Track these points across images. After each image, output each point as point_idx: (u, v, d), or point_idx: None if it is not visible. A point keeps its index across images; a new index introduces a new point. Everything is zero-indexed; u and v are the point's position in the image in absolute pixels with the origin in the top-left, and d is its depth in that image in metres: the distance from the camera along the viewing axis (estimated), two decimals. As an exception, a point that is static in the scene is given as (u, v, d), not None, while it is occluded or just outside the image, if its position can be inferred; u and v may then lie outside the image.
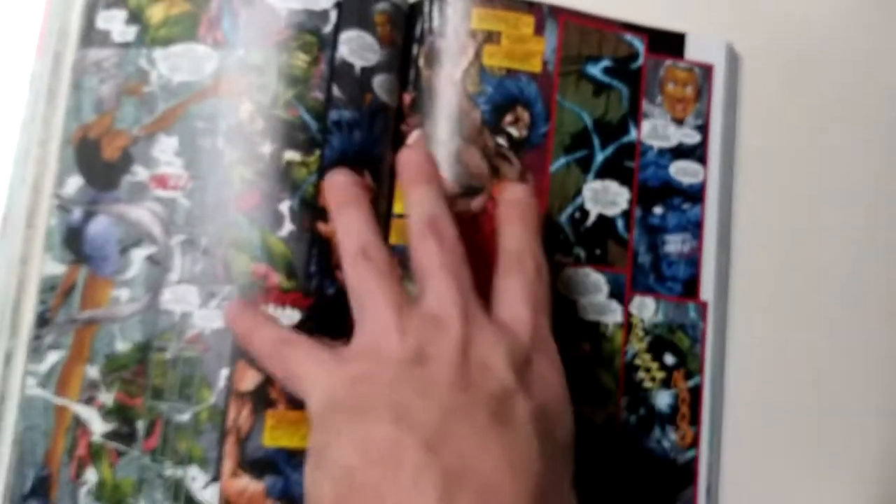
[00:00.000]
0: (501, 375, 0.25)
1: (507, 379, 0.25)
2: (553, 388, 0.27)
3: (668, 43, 0.39)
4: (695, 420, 0.38)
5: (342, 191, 0.32)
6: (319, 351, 0.28)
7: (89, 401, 0.35)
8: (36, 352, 0.35)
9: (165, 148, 0.36)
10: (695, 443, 0.37)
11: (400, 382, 0.25)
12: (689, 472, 0.37)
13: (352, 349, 0.28)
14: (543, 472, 0.24)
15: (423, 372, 0.25)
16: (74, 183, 0.36)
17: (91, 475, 0.34)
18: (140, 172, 0.36)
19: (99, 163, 0.36)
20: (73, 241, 0.36)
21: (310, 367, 0.28)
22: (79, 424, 0.35)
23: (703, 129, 0.39)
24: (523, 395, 0.25)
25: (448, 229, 0.29)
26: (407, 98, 0.38)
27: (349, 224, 0.31)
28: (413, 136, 0.37)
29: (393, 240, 0.37)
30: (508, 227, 0.31)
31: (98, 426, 0.34)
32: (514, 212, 0.32)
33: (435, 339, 0.26)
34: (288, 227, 0.35)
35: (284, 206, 0.35)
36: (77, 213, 0.36)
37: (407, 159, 0.32)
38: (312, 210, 0.35)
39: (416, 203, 0.30)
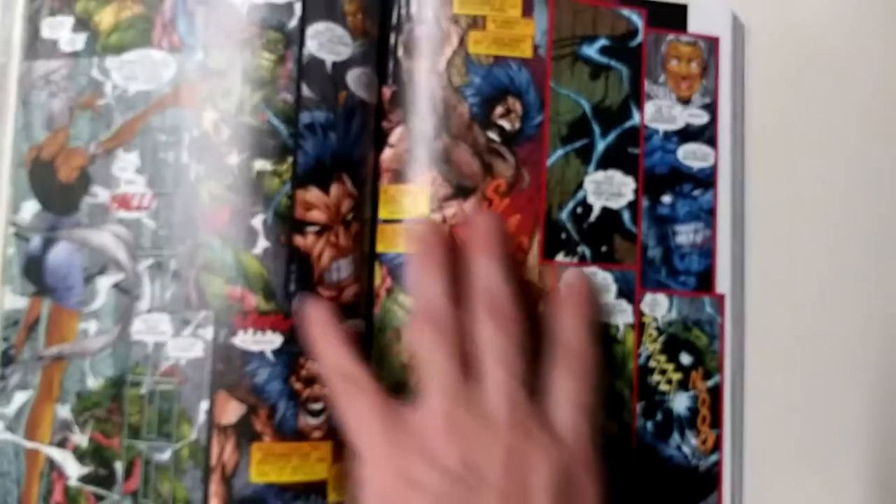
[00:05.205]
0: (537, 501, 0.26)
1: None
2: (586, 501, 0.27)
3: (669, 16, 0.34)
4: (716, 422, 0.33)
5: (424, 245, 0.30)
6: (375, 415, 0.28)
7: (62, 443, 0.31)
8: (2, 392, 0.31)
9: (126, 165, 0.31)
10: (717, 447, 0.33)
11: (441, 499, 0.26)
12: (712, 479, 0.33)
13: (405, 426, 0.27)
14: None
15: (463, 491, 0.26)
16: (30, 208, 0.32)
17: (69, 523, 0.30)
18: (100, 193, 0.31)
19: (55, 185, 0.32)
20: (34, 272, 0.31)
21: (363, 432, 0.28)
22: (53, 468, 0.31)
23: (712, 107, 0.34)
24: None
25: (507, 310, 0.29)
26: (387, 92, 0.33)
27: (424, 283, 0.29)
28: (396, 134, 0.32)
29: (380, 248, 0.33)
30: (565, 317, 0.30)
31: (74, 469, 0.31)
32: (573, 302, 0.31)
33: (482, 446, 0.26)
34: (262, 243, 0.30)
35: (258, 221, 0.30)
36: (36, 241, 0.32)
37: (475, 222, 0.31)
38: (289, 223, 0.30)
39: (479, 274, 0.29)
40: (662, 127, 0.34)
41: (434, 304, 0.29)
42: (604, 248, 0.33)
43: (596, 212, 0.33)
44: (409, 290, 0.30)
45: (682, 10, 0.34)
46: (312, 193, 0.31)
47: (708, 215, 0.34)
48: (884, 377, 0.35)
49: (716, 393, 0.33)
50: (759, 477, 0.34)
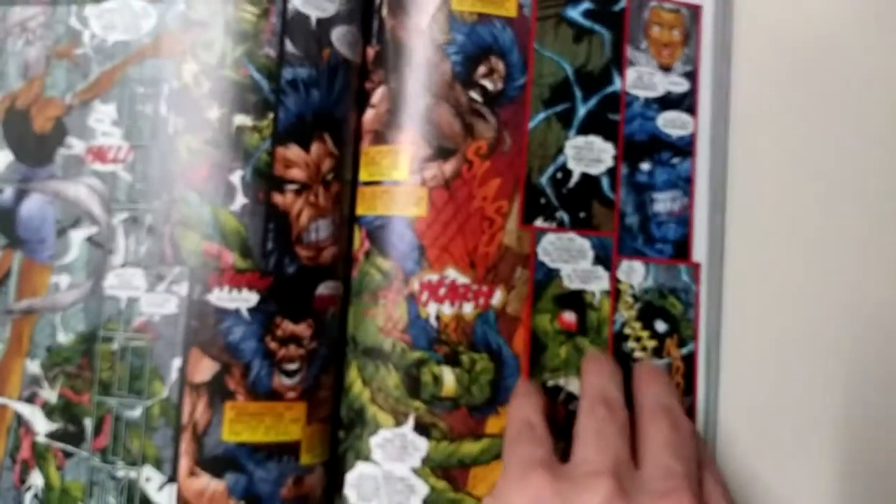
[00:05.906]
0: None
1: None
2: None
3: (653, -17, 0.34)
4: (690, 390, 0.33)
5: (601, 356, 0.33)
6: (538, 458, 0.28)
7: (31, 398, 0.30)
8: (-30, 347, 0.30)
9: (102, 116, 0.31)
10: (690, 414, 0.33)
11: None
12: (685, 446, 0.33)
13: (561, 476, 0.28)
14: None
15: None
16: (3, 159, 0.31)
17: (37, 479, 0.30)
18: (75, 145, 0.31)
19: (29, 136, 0.31)
20: (6, 223, 0.31)
21: (508, 468, 0.29)
22: (21, 424, 0.30)
23: (692, 76, 0.34)
24: None
25: (682, 420, 0.30)
26: (370, 52, 0.32)
27: (599, 372, 0.31)
28: (378, 95, 0.32)
29: (360, 210, 0.32)
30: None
31: (42, 425, 0.30)
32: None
33: None
34: (241, 200, 0.30)
35: (236, 177, 0.30)
36: (8, 193, 0.31)
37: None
38: (268, 180, 0.30)
39: (651, 397, 0.31)
40: (643, 94, 0.33)
41: (608, 389, 0.30)
42: (582, 215, 0.33)
43: (575, 177, 0.33)
44: (583, 381, 0.31)
45: (666, -21, 0.34)
46: (293, 151, 0.30)
47: (686, 184, 0.34)
48: (860, 350, 0.35)
49: (690, 361, 0.33)
50: (731, 444, 0.34)
